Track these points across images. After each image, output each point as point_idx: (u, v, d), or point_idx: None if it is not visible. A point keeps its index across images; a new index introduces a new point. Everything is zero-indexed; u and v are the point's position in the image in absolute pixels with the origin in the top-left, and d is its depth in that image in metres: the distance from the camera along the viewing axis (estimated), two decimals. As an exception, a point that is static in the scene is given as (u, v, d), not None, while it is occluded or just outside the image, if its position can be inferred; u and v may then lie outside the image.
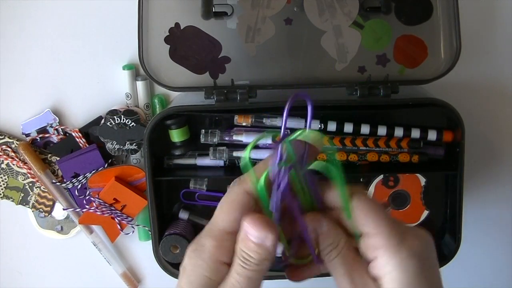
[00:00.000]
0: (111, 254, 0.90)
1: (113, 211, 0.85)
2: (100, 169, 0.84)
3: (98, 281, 0.92)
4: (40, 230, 0.89)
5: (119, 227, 0.87)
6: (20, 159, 0.85)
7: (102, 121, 0.83)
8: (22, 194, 0.87)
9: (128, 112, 0.82)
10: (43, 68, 0.84)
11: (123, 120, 0.83)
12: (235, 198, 0.52)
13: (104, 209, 0.85)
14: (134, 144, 0.83)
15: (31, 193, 0.87)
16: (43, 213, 0.88)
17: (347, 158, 0.79)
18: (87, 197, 0.85)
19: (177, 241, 0.79)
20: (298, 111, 0.77)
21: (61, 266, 0.91)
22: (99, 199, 0.85)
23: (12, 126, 0.86)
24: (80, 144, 0.85)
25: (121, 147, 0.84)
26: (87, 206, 0.86)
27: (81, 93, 0.85)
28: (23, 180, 0.86)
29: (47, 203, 0.87)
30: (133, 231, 0.88)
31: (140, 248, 0.91)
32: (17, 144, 0.85)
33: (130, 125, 0.83)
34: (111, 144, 0.84)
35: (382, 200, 0.82)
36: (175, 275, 0.79)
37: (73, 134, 0.85)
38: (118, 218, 0.86)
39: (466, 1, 0.78)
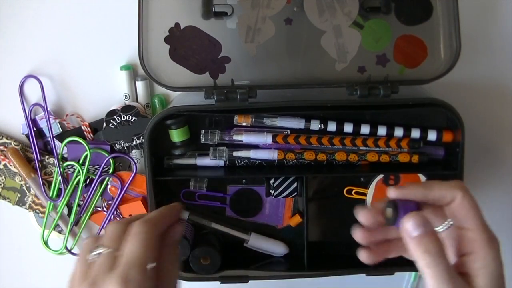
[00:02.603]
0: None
1: None
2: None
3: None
4: (40, 230, 0.89)
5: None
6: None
7: (104, 124, 0.83)
8: (19, 195, 0.87)
9: (126, 108, 0.83)
10: (43, 68, 0.84)
11: (123, 117, 0.83)
12: (149, 237, 0.60)
13: (117, 219, 0.86)
14: (141, 137, 0.83)
15: (27, 194, 0.87)
16: (40, 214, 0.87)
17: (347, 158, 0.79)
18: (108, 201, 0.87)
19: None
20: (298, 111, 0.78)
21: (61, 266, 0.91)
22: (118, 209, 0.86)
23: (12, 126, 0.87)
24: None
25: (130, 144, 0.84)
26: (99, 209, 0.87)
27: (81, 93, 0.85)
28: (20, 181, 0.86)
29: (44, 204, 0.87)
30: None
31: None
32: (14, 145, 0.85)
33: (132, 120, 0.83)
34: (119, 144, 0.84)
35: (382, 199, 0.82)
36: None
37: (82, 127, 0.85)
38: None
39: (466, 1, 0.78)
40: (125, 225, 0.62)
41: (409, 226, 0.56)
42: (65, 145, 0.84)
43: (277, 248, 0.84)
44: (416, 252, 0.56)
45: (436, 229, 0.57)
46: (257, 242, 0.84)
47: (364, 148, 0.79)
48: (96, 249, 0.60)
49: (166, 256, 0.63)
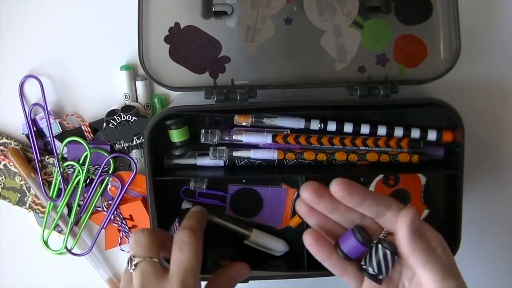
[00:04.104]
0: (98, 260, 0.91)
1: (123, 226, 0.86)
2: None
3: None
4: (40, 230, 0.88)
5: (119, 240, 0.87)
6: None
7: (104, 124, 0.83)
8: (19, 195, 0.87)
9: (126, 108, 0.83)
10: (43, 68, 0.84)
11: (123, 117, 0.83)
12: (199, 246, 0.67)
13: (118, 219, 0.86)
14: (141, 137, 0.83)
15: (27, 194, 0.87)
16: (40, 214, 0.87)
17: (347, 158, 0.79)
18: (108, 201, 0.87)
19: None
20: (298, 111, 0.78)
21: (61, 266, 0.91)
22: (118, 209, 0.86)
23: (12, 126, 0.87)
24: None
25: (130, 144, 0.84)
26: (99, 209, 0.87)
27: (81, 93, 0.85)
28: (20, 181, 0.86)
29: (44, 204, 0.87)
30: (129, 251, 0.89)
31: (126, 257, 0.90)
32: (15, 145, 0.85)
33: (132, 120, 0.83)
34: (119, 144, 0.84)
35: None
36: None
37: (82, 127, 0.85)
38: (123, 233, 0.86)
39: (466, 1, 0.78)
40: (152, 233, 0.66)
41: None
42: (65, 145, 0.84)
43: (278, 246, 0.84)
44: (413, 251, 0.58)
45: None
46: (259, 239, 0.83)
47: (364, 148, 0.79)
48: (135, 259, 0.64)
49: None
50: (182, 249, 0.64)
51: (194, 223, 0.69)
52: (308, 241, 0.63)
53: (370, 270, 0.61)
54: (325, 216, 0.64)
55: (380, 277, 0.61)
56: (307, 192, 0.62)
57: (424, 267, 0.58)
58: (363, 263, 0.62)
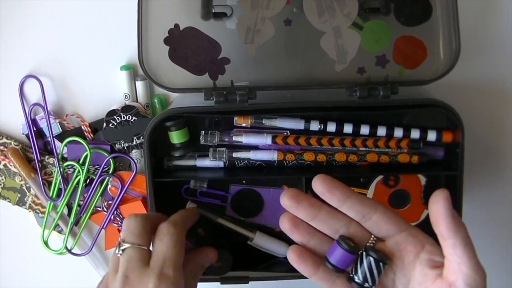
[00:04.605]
0: (98, 260, 0.91)
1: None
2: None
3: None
4: (40, 230, 0.89)
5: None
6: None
7: (104, 124, 0.83)
8: (19, 195, 0.87)
9: (126, 108, 0.83)
10: (43, 68, 0.84)
11: (123, 117, 0.83)
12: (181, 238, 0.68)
13: (118, 219, 0.86)
14: (141, 137, 0.83)
15: (27, 194, 0.87)
16: (40, 214, 0.88)
17: (346, 159, 0.79)
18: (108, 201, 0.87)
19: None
20: (297, 112, 0.78)
21: (61, 266, 0.92)
22: (118, 209, 0.86)
23: (12, 126, 0.87)
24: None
25: (130, 144, 0.84)
26: (99, 209, 0.87)
27: (81, 93, 0.85)
28: (20, 181, 0.86)
29: (44, 204, 0.87)
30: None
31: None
32: (15, 145, 0.85)
33: (132, 120, 0.83)
34: (119, 144, 0.84)
35: (382, 199, 0.83)
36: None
37: (82, 127, 0.85)
38: None
39: (466, 1, 0.78)
40: (145, 220, 0.67)
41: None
42: (65, 145, 0.84)
43: (280, 249, 0.84)
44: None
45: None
46: (262, 241, 0.83)
47: (364, 148, 0.79)
48: (123, 244, 0.65)
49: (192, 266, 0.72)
50: (162, 240, 0.65)
51: (177, 217, 0.71)
52: (291, 256, 0.62)
53: (356, 279, 0.60)
54: (310, 233, 0.63)
55: (367, 285, 0.60)
56: (285, 199, 0.62)
57: (465, 248, 0.55)
58: (350, 272, 0.61)
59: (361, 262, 0.60)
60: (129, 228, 0.66)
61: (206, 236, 0.78)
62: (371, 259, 0.59)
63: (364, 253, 0.60)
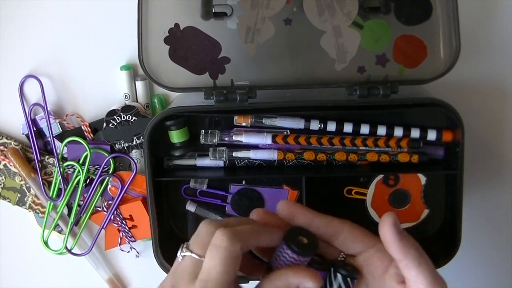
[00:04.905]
0: (98, 260, 0.91)
1: (123, 226, 0.86)
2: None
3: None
4: (40, 230, 0.89)
5: (119, 240, 0.88)
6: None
7: (104, 124, 0.83)
8: (19, 195, 0.87)
9: (126, 108, 0.83)
10: (43, 68, 0.84)
11: (123, 117, 0.83)
12: (233, 255, 0.54)
13: (118, 219, 0.86)
14: (141, 137, 0.83)
15: (27, 194, 0.87)
16: (40, 214, 0.88)
17: (346, 158, 0.79)
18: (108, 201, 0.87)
19: None
20: (297, 112, 0.78)
21: (61, 266, 0.92)
22: (118, 209, 0.86)
23: (12, 126, 0.87)
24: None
25: (130, 144, 0.84)
26: (99, 209, 0.87)
27: (81, 93, 0.85)
28: (20, 181, 0.86)
29: (44, 204, 0.87)
30: (129, 251, 0.89)
31: (125, 257, 0.92)
32: (15, 145, 0.85)
33: (132, 120, 0.83)
34: (119, 144, 0.84)
35: (382, 199, 0.83)
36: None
37: (82, 127, 0.85)
38: (123, 233, 0.87)
39: (466, 1, 0.78)
40: (216, 229, 0.56)
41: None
42: (65, 145, 0.84)
43: None
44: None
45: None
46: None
47: (364, 148, 0.79)
48: (185, 251, 0.57)
49: None
50: (211, 252, 0.55)
51: (243, 229, 0.57)
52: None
53: None
54: None
55: None
56: (254, 217, 0.60)
57: (418, 268, 0.56)
58: None
59: (333, 278, 0.60)
60: (198, 234, 0.58)
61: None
62: (339, 275, 0.59)
63: (332, 269, 0.60)
